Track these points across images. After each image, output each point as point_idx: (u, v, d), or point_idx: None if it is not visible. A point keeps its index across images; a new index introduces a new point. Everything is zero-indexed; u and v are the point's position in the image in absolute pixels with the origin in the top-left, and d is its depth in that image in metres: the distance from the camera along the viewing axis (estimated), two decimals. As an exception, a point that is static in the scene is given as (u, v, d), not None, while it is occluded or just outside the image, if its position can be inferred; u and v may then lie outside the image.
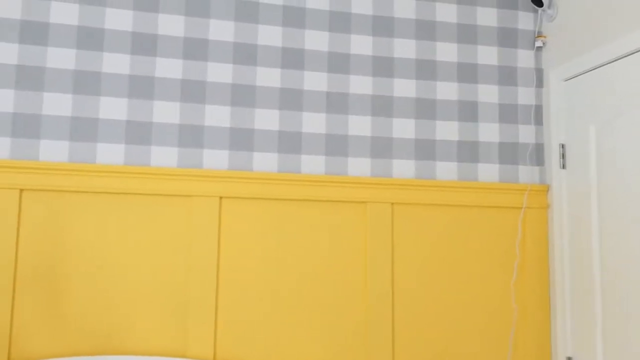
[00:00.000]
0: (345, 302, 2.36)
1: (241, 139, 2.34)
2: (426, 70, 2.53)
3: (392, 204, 2.45)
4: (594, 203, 2.28)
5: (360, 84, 2.47)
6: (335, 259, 2.38)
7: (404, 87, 2.51)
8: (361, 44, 2.49)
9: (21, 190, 2.13)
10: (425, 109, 2.51)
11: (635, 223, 2.06)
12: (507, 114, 2.58)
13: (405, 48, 2.53)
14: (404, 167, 2.48)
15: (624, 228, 2.11)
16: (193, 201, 2.27)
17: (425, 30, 2.55)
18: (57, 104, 2.19)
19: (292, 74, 2.41)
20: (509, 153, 2.56)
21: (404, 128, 2.49)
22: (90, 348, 2.15)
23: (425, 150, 2.50)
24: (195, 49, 2.34)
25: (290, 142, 2.39)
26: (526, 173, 2.57)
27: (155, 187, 2.23)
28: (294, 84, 2.41)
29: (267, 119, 2.37)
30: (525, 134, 2.59)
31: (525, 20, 2.66)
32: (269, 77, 2.39)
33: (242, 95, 2.36)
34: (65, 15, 2.24)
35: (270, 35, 2.41)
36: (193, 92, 2.32)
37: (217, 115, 2.33)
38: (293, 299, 2.33)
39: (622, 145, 2.14)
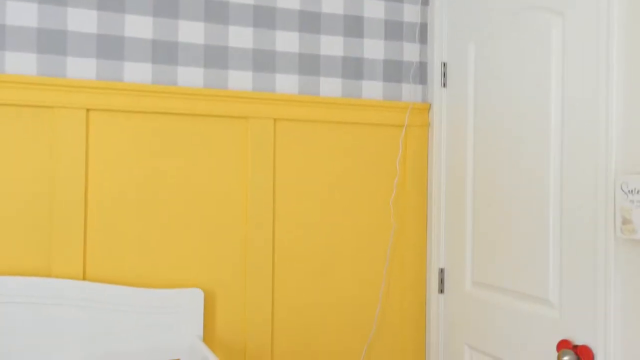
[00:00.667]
0: (225, 221, 2.32)
1: (110, 47, 2.16)
2: (311, -20, 2.43)
3: (275, 119, 2.39)
4: (470, 121, 2.33)
5: (242, -8, 2.33)
6: (215, 176, 2.31)
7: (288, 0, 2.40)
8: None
9: None
10: (311, 22, 2.43)
11: (503, 140, 2.12)
12: (393, 31, 2.55)
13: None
14: (287, 82, 2.40)
15: (495, 145, 2.18)
16: (56, 113, 2.10)
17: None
18: None
19: (167, -22, 2.23)
20: (393, 71, 2.55)
21: (287, 41, 2.40)
22: (-58, 270, 1.98)
23: (309, 65, 2.43)
24: (54, -58, 2.09)
25: (165, 52, 2.24)
26: (409, 91, 2.57)
27: (9, 97, 2.03)
28: (169, -12, 2.24)
29: (139, 26, 2.20)
30: (410, 52, 2.58)
31: None
32: (140, -21, 2.20)
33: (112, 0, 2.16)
34: None
35: None
36: (52, -9, 2.09)
37: (83, 19, 2.13)
38: (169, 219, 2.25)
39: (497, 62, 2.17)
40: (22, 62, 2.06)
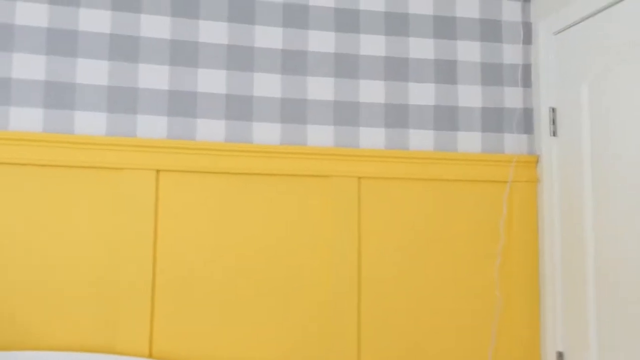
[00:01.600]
0: (304, 288, 2.06)
1: (181, 104, 2.03)
2: (397, 24, 2.21)
3: (359, 177, 2.14)
4: (587, 174, 1.96)
5: (321, 41, 2.15)
6: (293, 240, 2.07)
7: (372, 44, 2.19)
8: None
9: None
10: (397, 69, 2.19)
11: (631, 198, 1.74)
12: (491, 75, 2.26)
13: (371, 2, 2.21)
14: (372, 136, 2.16)
15: (620, 203, 1.80)
16: (124, 175, 1.96)
17: (397, -21, 2.23)
18: (-38, 61, 1.88)
19: (241, 29, 2.10)
20: (493, 119, 2.25)
21: (372, 91, 2.17)
22: (5, 342, 1.85)
23: (396, 116, 2.18)
24: (127, 2, 2.02)
25: (239, 107, 2.07)
26: (513, 142, 2.25)
27: (79, 159, 1.92)
28: (244, 40, 2.09)
29: (212, 80, 2.06)
30: (512, 97, 2.27)
31: (511, -33, 2.33)
32: (214, 32, 2.08)
33: (184, 54, 2.05)
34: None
35: (216, -16, 2.09)
36: (125, 49, 2.00)
37: (154, 76, 2.02)
38: (243, 289, 2.02)
39: (616, 104, 1.82)
40: (92, 122, 1.96)
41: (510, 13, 2.30)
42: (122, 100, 1.99)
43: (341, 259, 2.08)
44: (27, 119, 1.91)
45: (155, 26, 2.03)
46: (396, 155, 2.14)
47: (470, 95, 2.24)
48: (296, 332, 2.04)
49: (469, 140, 2.22)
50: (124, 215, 1.95)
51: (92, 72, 1.97)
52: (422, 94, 2.20)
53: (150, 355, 1.94)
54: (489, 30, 2.28)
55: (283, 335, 2.03)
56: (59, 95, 1.94)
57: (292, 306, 2.05)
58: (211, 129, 2.04)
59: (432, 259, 2.16)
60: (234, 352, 2.00)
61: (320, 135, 2.13)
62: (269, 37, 2.11)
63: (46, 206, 1.91)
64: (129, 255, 1.94)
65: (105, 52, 1.99)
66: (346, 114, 2.15)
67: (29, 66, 1.92)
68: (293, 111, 2.11)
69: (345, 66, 2.16)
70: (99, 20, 1.99)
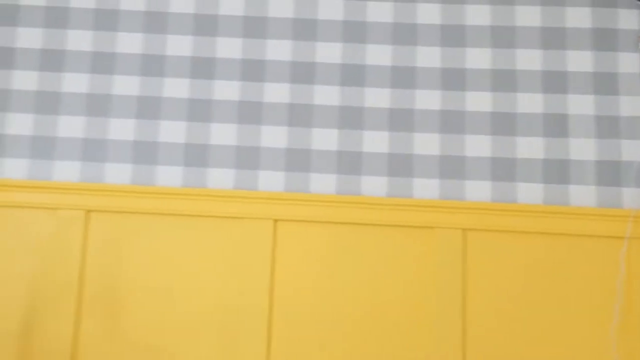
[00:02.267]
0: (408, 338, 2.14)
1: (298, 160, 2.26)
2: (504, 79, 2.25)
3: (464, 229, 2.19)
4: None
5: (426, 97, 2.26)
6: (397, 289, 2.17)
7: (478, 100, 2.25)
8: (427, 56, 2.29)
9: (87, 212, 2.24)
10: (504, 123, 2.23)
11: None
12: (606, 127, 2.20)
13: (478, 58, 2.27)
14: (478, 189, 2.21)
15: None
16: (246, 224, 2.22)
17: (503, 37, 2.28)
18: (121, 129, 2.28)
19: (352, 91, 2.29)
20: (609, 172, 2.17)
21: (478, 144, 2.23)
22: (146, 368, 2.17)
23: (503, 169, 2.20)
24: (253, 70, 2.31)
25: (349, 163, 2.25)
26: (631, 196, 2.15)
27: (210, 209, 2.22)
28: (353, 101, 2.28)
29: (324, 139, 2.26)
30: (630, 149, 2.18)
31: (627, 18, 2.26)
32: (326, 95, 2.29)
33: (299, 115, 2.28)
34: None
35: (329, 53, 2.31)
36: (248, 112, 2.29)
37: (273, 136, 2.27)
38: (351, 331, 2.16)
39: None
40: (221, 178, 2.25)
41: (627, 65, 2.22)
42: (247, 158, 2.26)
43: (444, 311, 2.13)
44: (169, 176, 2.26)
45: (276, 92, 2.29)
46: (503, 208, 2.16)
47: (582, 147, 2.19)
48: (399, 378, 2.12)
49: (582, 194, 2.17)
50: (245, 257, 2.20)
51: (223, 135, 2.28)
52: (530, 147, 2.20)
53: (263, 389, 2.14)
54: (604, 82, 2.22)
55: (386, 380, 2.12)
56: (195, 155, 2.26)
57: (396, 354, 2.13)
58: (324, 183, 2.24)
59: (542, 317, 2.12)
60: (339, 392, 2.13)
61: (426, 188, 2.22)
62: (377, 97, 2.27)
63: (182, 249, 2.22)
64: (249, 294, 2.17)
65: (234, 115, 2.28)
66: (452, 167, 2.22)
67: (172, 130, 2.28)
68: (400, 165, 2.23)
69: (452, 122, 2.24)
70: (228, 90, 2.30)
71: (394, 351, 2.14)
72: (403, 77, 2.28)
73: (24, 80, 2.30)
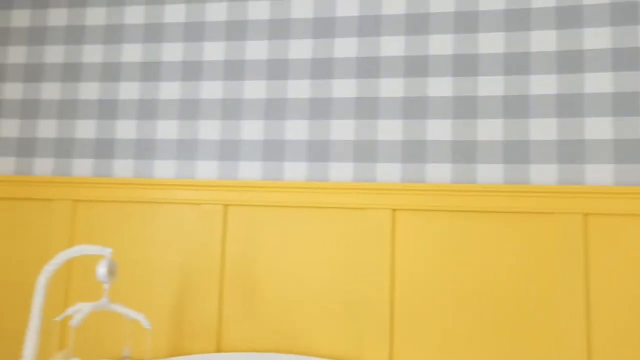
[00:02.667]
0: (529, 323, 2.16)
1: (413, 152, 2.36)
2: (626, 59, 2.18)
3: (585, 214, 2.16)
4: None
5: (543, 83, 2.26)
6: (517, 275, 2.20)
7: (597, 82, 2.20)
8: (542, 39, 2.28)
9: (225, 205, 2.51)
10: (626, 104, 2.16)
11: None
12: None
13: (598, 37, 2.23)
14: (598, 173, 2.17)
15: None
16: (367, 213, 2.37)
17: (623, 14, 2.21)
18: (252, 130, 2.53)
19: (465, 81, 2.34)
20: None
21: (598, 127, 2.18)
22: (280, 346, 2.40)
23: (626, 152, 2.14)
24: (368, 66, 2.45)
25: (464, 151, 2.31)
26: None
27: (332, 201, 2.40)
28: (468, 90, 2.33)
29: (439, 130, 2.34)
30: None
31: None
32: (440, 87, 2.36)
33: (414, 108, 2.38)
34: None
35: (442, 44, 2.38)
36: (364, 108, 2.43)
37: (389, 129, 2.39)
38: (471, 317, 2.23)
39: None
40: (342, 172, 2.42)
41: None
42: (364, 151, 2.40)
43: (565, 296, 2.13)
44: (294, 171, 2.46)
45: (391, 86, 2.41)
46: (626, 191, 2.11)
47: None
48: (520, 362, 2.15)
49: None
50: (367, 245, 2.34)
51: (342, 130, 2.44)
52: (656, 127, 2.13)
53: (387, 368, 2.28)
54: None
55: (507, 363, 2.17)
56: (317, 152, 2.45)
57: (517, 339, 2.17)
58: (439, 172, 2.32)
59: (673, 301, 2.04)
60: (460, 373, 2.21)
61: (543, 173, 2.22)
62: (490, 85, 2.30)
63: (308, 238, 2.42)
64: (371, 279, 2.32)
65: (351, 112, 2.44)
66: (571, 151, 2.20)
67: (296, 129, 2.48)
68: (515, 152, 2.25)
69: (570, 105, 2.22)
70: (346, 87, 2.46)
71: (514, 338, 2.17)
72: (516, 64, 2.29)
73: (169, 90, 2.62)
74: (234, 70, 2.57)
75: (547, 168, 2.22)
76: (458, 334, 2.23)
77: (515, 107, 2.28)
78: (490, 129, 2.29)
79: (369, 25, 2.47)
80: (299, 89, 2.50)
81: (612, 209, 2.12)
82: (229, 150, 2.53)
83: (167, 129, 2.59)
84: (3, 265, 2.61)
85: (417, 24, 2.43)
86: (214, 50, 2.60)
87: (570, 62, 2.25)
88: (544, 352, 2.14)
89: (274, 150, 2.49)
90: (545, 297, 2.16)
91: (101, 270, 1.96)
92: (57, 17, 2.75)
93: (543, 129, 2.24)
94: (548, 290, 2.16)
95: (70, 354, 2.05)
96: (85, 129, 2.64)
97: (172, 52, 2.63)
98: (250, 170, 2.51)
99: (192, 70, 2.61)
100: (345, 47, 2.48)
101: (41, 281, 2.00)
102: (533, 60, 2.28)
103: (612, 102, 2.18)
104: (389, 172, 2.38)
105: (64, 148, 2.64)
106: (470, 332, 2.22)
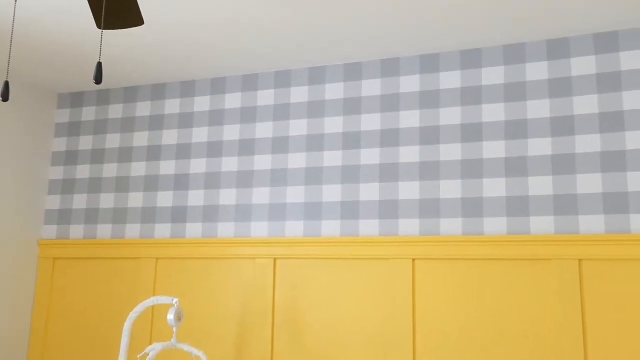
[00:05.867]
0: (535, 358, 2.43)
1: (429, 208, 2.73)
2: (612, 121, 2.46)
3: (580, 260, 2.43)
4: None
5: (539, 146, 2.57)
6: (523, 318, 2.49)
7: (587, 143, 2.49)
8: (538, 108, 2.60)
9: (274, 259, 2.99)
10: (613, 162, 2.43)
11: None
12: None
13: (587, 103, 2.52)
14: (591, 223, 2.43)
15: None
16: (391, 263, 2.75)
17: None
18: (295, 194, 3.01)
19: (471, 146, 2.70)
20: None
21: (590, 183, 2.46)
22: (323, 379, 2.81)
23: (614, 204, 2.40)
24: (389, 138, 2.87)
25: (473, 207, 2.65)
26: None
27: (362, 253, 2.81)
28: (474, 154, 2.69)
29: (450, 190, 2.71)
30: None
31: None
32: (450, 153, 2.73)
33: (428, 172, 2.76)
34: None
35: (450, 116, 2.77)
36: (387, 173, 2.84)
37: (408, 190, 2.79)
38: (485, 352, 2.52)
39: None
40: (369, 227, 2.83)
41: None
42: (388, 210, 2.81)
43: (567, 337, 2.38)
44: (330, 228, 2.91)
45: (409, 154, 2.81)
46: (616, 238, 2.35)
47: (692, 177, 2.29)
48: (527, 394, 2.42)
49: (697, 221, 2.26)
50: (391, 290, 2.72)
51: (369, 192, 2.86)
52: None
53: (412, 399, 2.61)
54: None
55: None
56: (349, 211, 2.88)
57: (523, 371, 2.44)
58: (451, 226, 2.67)
59: (664, 338, 2.24)
60: (475, 404, 2.50)
61: (542, 224, 2.51)
62: (494, 149, 2.65)
63: (342, 284, 2.83)
64: (395, 320, 2.69)
65: (377, 176, 2.86)
66: (565, 204, 2.48)
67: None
68: (517, 206, 2.57)
69: (563, 164, 2.52)
70: (371, 155, 2.89)
71: (521, 370, 2.44)
72: (516, 129, 2.62)
73: (229, 164, 3.18)
74: (280, 145, 3.08)
75: (545, 220, 2.51)
76: (472, 369, 2.53)
77: (516, 167, 2.60)
78: (494, 187, 2.62)
79: (390, 101, 2.90)
80: (332, 158, 2.96)
81: (604, 254, 2.38)
82: (277, 212, 3.03)
83: (227, 196, 3.13)
84: (101, 312, 3.23)
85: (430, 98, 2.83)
86: (264, 130, 3.13)
87: (562, 126, 2.55)
88: (549, 386, 2.39)
89: (313, 211, 2.95)
90: (547, 336, 2.42)
91: (170, 317, 2.48)
92: (143, 109, 3.41)
93: (541, 185, 2.54)
94: (549, 328, 2.42)
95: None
96: (164, 198, 3.25)
97: (231, 132, 3.20)
98: (294, 228, 2.98)
99: (246, 148, 3.15)
100: (371, 123, 2.92)
101: (126, 326, 2.57)
102: (530, 126, 2.61)
103: (601, 160, 2.45)
104: (409, 226, 2.76)
105: (148, 215, 3.26)
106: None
